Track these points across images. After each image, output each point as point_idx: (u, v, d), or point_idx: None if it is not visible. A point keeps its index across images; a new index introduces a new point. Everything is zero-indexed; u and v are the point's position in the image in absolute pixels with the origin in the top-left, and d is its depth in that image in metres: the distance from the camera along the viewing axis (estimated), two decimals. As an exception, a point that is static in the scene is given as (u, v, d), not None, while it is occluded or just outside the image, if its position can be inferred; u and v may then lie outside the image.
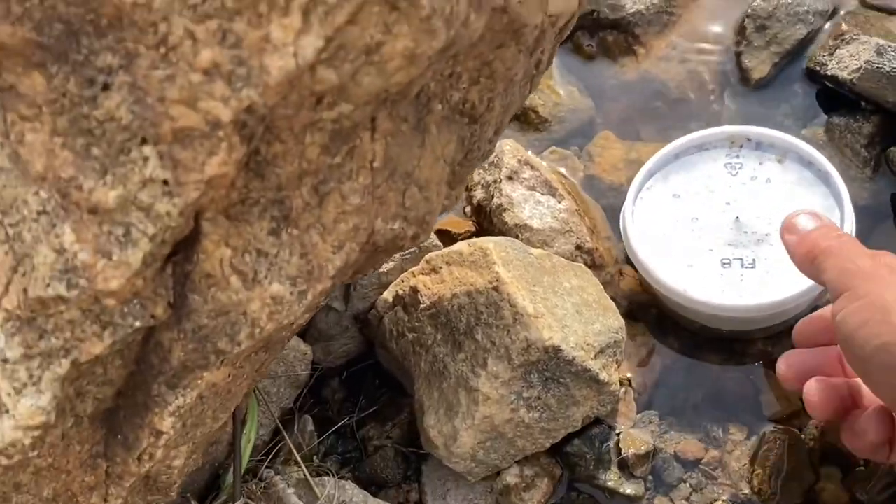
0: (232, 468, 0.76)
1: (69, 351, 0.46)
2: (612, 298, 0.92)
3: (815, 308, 0.87)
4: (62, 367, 0.47)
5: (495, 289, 0.79)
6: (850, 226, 0.85)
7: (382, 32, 0.39)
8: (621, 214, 0.92)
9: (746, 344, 0.90)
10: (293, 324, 0.52)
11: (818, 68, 1.00)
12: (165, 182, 0.41)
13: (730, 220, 0.88)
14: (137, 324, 0.46)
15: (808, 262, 0.71)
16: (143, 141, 0.41)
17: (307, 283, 0.48)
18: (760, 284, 0.84)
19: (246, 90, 0.38)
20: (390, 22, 0.39)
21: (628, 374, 0.89)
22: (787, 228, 0.75)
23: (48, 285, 0.44)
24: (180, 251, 0.46)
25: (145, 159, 0.41)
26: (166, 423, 0.54)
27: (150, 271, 0.45)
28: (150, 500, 0.65)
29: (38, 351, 0.46)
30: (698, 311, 0.86)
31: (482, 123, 0.54)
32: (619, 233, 0.93)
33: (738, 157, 0.92)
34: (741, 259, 0.86)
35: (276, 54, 0.37)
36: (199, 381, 0.52)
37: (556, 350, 0.77)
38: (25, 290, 0.44)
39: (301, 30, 0.37)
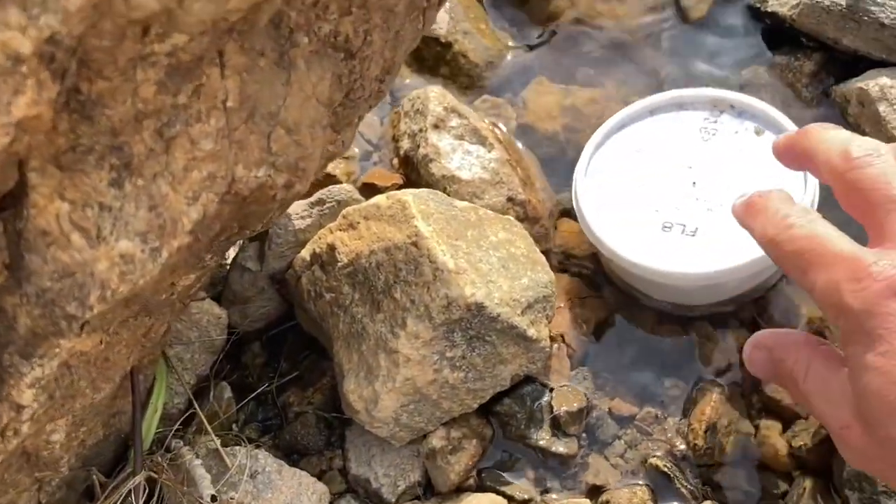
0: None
1: None
2: (546, 252, 0.88)
3: (756, 287, 0.84)
4: None
5: (414, 244, 0.74)
6: (812, 195, 0.80)
7: (204, -53, 0.34)
8: (579, 161, 0.86)
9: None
10: (157, 284, 0.47)
11: (759, 5, 0.95)
12: (-31, 128, 0.36)
13: (686, 183, 0.83)
14: (-31, 288, 0.42)
15: (794, 259, 0.56)
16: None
17: (160, 240, 0.44)
18: (696, 255, 0.79)
19: (44, 17, 0.33)
20: (210, -64, 0.34)
21: (561, 331, 0.85)
22: (752, 206, 0.64)
23: None
24: (8, 206, 0.41)
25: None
26: (26, 396, 0.49)
27: (-27, 230, 0.40)
28: (38, 477, 0.61)
29: None
30: (628, 271, 0.82)
31: (361, 59, 0.49)
32: (554, 184, 0.89)
33: (715, 122, 0.86)
34: (683, 225, 0.81)
35: (74, -26, 0.32)
36: (57, 350, 0.47)
37: (480, 307, 0.73)
38: None
39: (99, -57, 0.32)
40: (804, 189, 0.80)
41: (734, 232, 0.79)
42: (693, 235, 0.81)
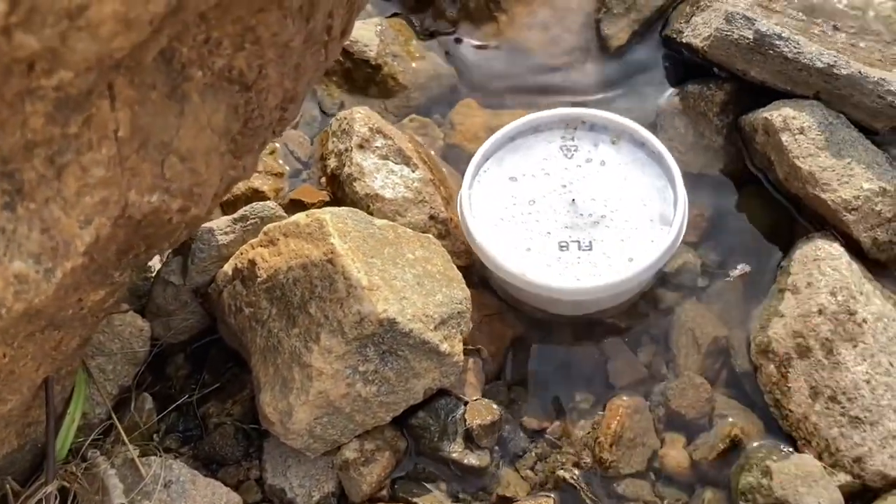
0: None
1: None
2: (467, 268, 0.91)
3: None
4: None
5: (330, 261, 0.77)
6: (682, 205, 0.85)
7: (82, -6, 0.37)
8: (458, 199, 0.90)
9: (596, 315, 0.90)
10: (57, 302, 0.49)
11: (675, 36, 1.00)
12: None
13: (566, 202, 0.87)
14: None
15: None
16: None
17: (53, 261, 0.46)
18: (597, 266, 0.84)
19: (-73, 54, 0.36)
20: (89, -17, 0.36)
21: (477, 344, 0.88)
22: None
23: None
24: None
25: None
26: (-74, 409, 0.51)
27: None
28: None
29: None
30: (538, 294, 0.86)
31: (258, 91, 0.52)
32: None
33: (573, 139, 0.91)
34: (578, 241, 0.85)
35: (-46, 16, 0.35)
36: (-44, 364, 0.49)
37: (392, 322, 0.76)
38: None
39: (-22, -10, 0.34)
40: (671, 185, 0.86)
41: (624, 239, 0.84)
42: (590, 249, 0.85)
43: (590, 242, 0.85)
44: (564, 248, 0.85)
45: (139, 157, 0.46)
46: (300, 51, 0.53)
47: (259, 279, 0.81)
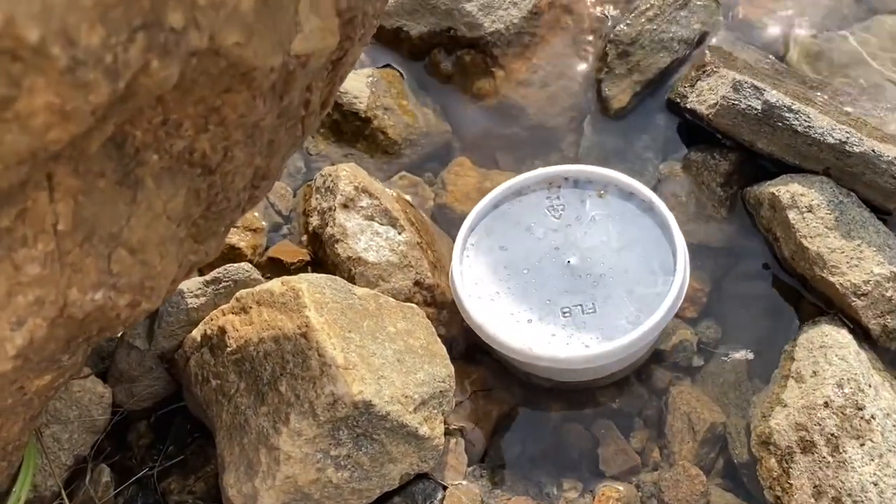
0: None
1: None
2: (451, 339, 0.86)
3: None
4: None
5: (304, 335, 0.72)
6: (682, 252, 0.81)
7: (8, 86, 0.32)
8: (450, 275, 0.85)
9: (587, 393, 0.85)
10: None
11: (679, 100, 0.95)
12: None
13: (562, 265, 0.83)
14: None
15: None
16: None
17: (-22, 366, 0.41)
18: (605, 329, 0.79)
19: None
20: (15, 74, 0.32)
21: (460, 424, 0.83)
22: None
23: None
24: None
25: None
26: None
27: None
28: None
29: None
30: (549, 367, 0.81)
31: (222, 174, 0.47)
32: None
33: (558, 198, 0.87)
34: (581, 305, 0.81)
35: None
36: None
37: (368, 405, 0.70)
38: None
39: None
40: (666, 233, 0.82)
41: (628, 294, 0.79)
42: (594, 311, 0.80)
43: (593, 304, 0.80)
44: (568, 315, 0.80)
45: (82, 252, 0.41)
46: (273, 128, 0.48)
47: (228, 349, 0.75)
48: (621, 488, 0.80)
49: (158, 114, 0.42)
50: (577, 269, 0.82)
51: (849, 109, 0.92)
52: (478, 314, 0.81)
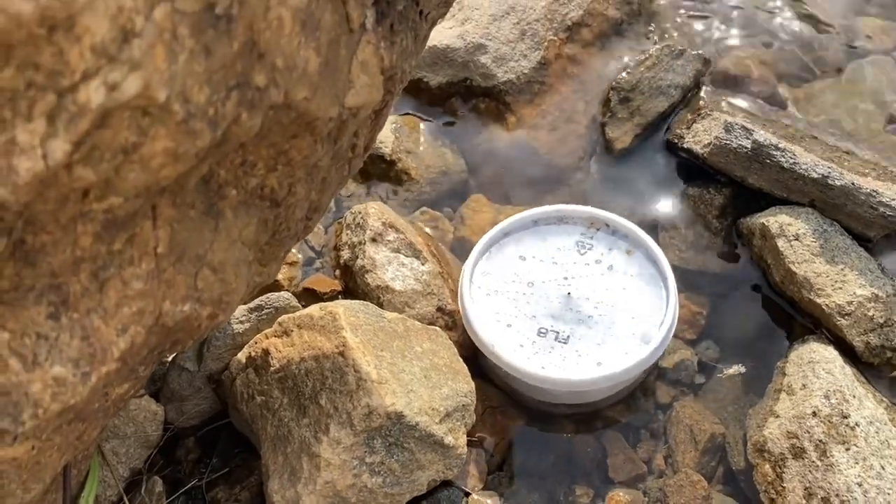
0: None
1: None
2: (473, 358, 0.94)
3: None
4: None
5: (341, 354, 0.80)
6: (667, 329, 0.87)
7: (137, 135, 0.41)
8: (466, 264, 0.94)
9: (597, 409, 0.92)
10: (88, 400, 0.52)
11: (676, 140, 1.04)
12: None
13: (562, 294, 0.91)
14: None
15: None
16: None
17: (90, 366, 0.49)
18: (566, 360, 0.87)
19: (-5, 188, 0.39)
20: (144, 125, 0.40)
21: (480, 435, 0.90)
22: None
23: None
24: (-46, 335, 0.46)
25: None
26: (-42, 499, 0.53)
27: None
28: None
29: None
30: (502, 370, 0.89)
31: (286, 206, 0.56)
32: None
33: (591, 238, 0.95)
34: (557, 332, 0.89)
35: (24, 156, 0.39)
36: (-9, 458, 0.52)
37: (399, 416, 0.78)
38: None
39: (47, 133, 0.38)
40: (665, 306, 0.89)
41: (600, 343, 0.87)
42: (565, 343, 0.88)
43: (567, 337, 0.88)
44: (543, 335, 0.88)
45: (175, 270, 0.50)
46: (327, 168, 0.57)
47: (272, 369, 0.84)
48: (629, 493, 0.87)
49: (239, 156, 0.50)
50: (571, 302, 0.90)
51: (833, 143, 1.00)
52: (468, 301, 0.90)
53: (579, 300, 0.90)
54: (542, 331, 0.88)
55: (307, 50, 0.48)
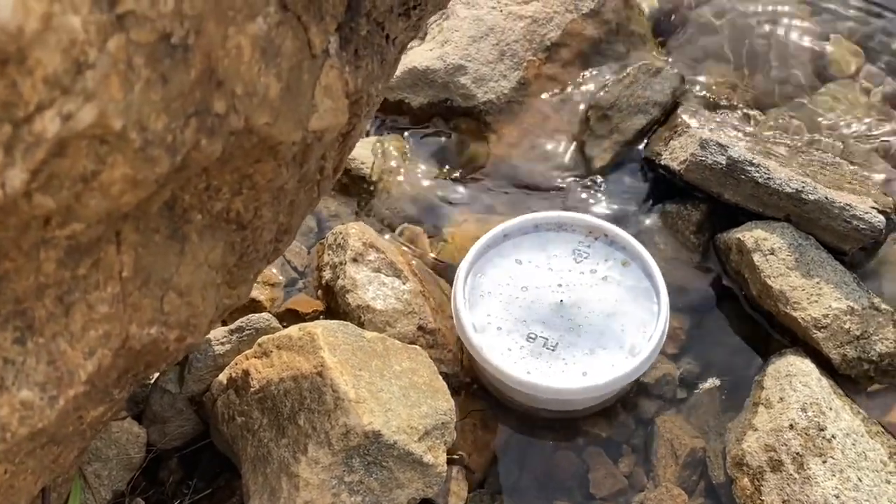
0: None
1: None
2: (454, 376, 0.95)
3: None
4: None
5: (319, 374, 0.81)
6: (656, 343, 0.87)
7: (95, 163, 0.42)
8: (463, 260, 0.94)
9: (577, 423, 0.93)
10: (58, 424, 0.53)
11: (654, 157, 1.06)
12: None
13: (554, 300, 0.91)
14: None
15: None
16: None
17: (57, 389, 0.50)
18: (552, 367, 0.88)
19: (-46, 219, 0.40)
20: (102, 153, 0.41)
21: (461, 453, 0.91)
22: None
23: None
24: (-80, 361, 0.47)
25: None
26: (-70, 524, 0.54)
27: None
28: None
29: None
30: (487, 371, 0.90)
31: (253, 229, 0.56)
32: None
33: (588, 247, 0.95)
34: (546, 339, 0.89)
35: (-18, 185, 0.40)
36: (-39, 482, 0.52)
37: (377, 435, 0.79)
38: None
39: (4, 163, 0.39)
40: (656, 320, 0.89)
41: (588, 353, 0.87)
42: (553, 350, 0.88)
43: (556, 344, 0.88)
44: (532, 340, 0.89)
45: (140, 294, 0.51)
46: (294, 190, 0.58)
47: (252, 389, 0.84)
48: (610, 510, 0.87)
49: (202, 181, 0.51)
50: (563, 310, 0.91)
51: (807, 158, 1.01)
52: (460, 297, 0.91)
53: (571, 308, 0.91)
54: (532, 336, 0.89)
55: (267, 76, 0.49)
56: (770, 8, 1.25)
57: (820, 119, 1.10)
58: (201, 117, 0.46)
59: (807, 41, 1.20)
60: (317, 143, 0.56)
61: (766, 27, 1.23)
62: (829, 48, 1.20)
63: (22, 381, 0.49)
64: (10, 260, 0.45)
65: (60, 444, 0.63)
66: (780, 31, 1.21)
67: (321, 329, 0.84)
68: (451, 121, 1.13)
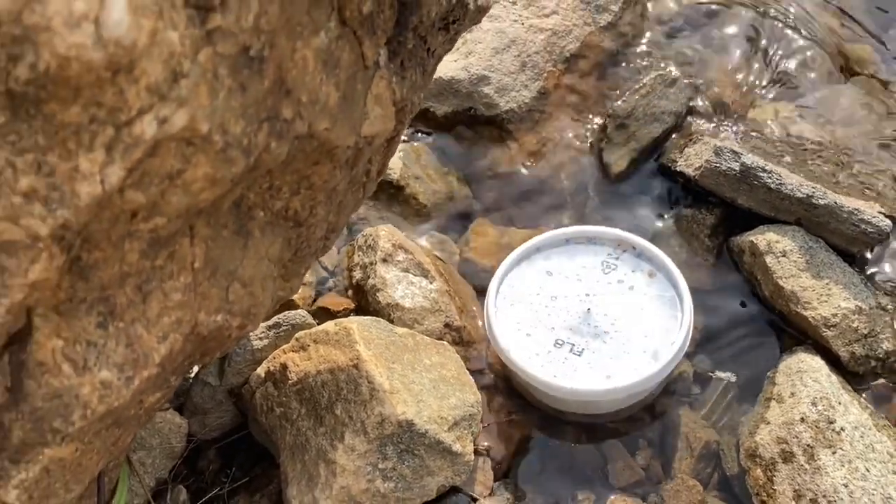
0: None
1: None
2: (480, 371, 0.99)
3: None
4: None
5: (355, 366, 0.85)
6: (678, 349, 0.91)
7: (182, 162, 0.46)
8: (498, 271, 0.99)
9: (596, 418, 0.97)
10: (128, 404, 0.57)
11: (670, 164, 1.10)
12: (-5, 284, 0.47)
13: (581, 309, 0.96)
14: (-22, 406, 0.52)
15: None
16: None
17: (133, 370, 0.54)
18: (577, 371, 0.92)
19: (60, 210, 0.45)
20: (188, 154, 0.46)
21: (487, 444, 0.95)
22: None
23: None
24: (16, 342, 0.52)
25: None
26: (11, 496, 0.59)
27: (-14, 360, 0.50)
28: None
29: None
30: (517, 375, 0.94)
31: (308, 226, 0.61)
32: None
33: (617, 259, 1.00)
34: (573, 345, 0.94)
35: (85, 182, 0.44)
36: (41, 457, 0.57)
37: (410, 424, 0.83)
38: None
39: (105, 162, 0.44)
40: (679, 327, 0.93)
41: (612, 358, 0.91)
42: (579, 356, 0.93)
43: (582, 350, 0.93)
44: (559, 346, 0.93)
45: (209, 284, 0.56)
46: (344, 191, 0.63)
47: (290, 381, 0.89)
48: (629, 499, 0.92)
49: (266, 181, 0.56)
50: (590, 318, 0.95)
51: (818, 164, 1.06)
52: (492, 306, 0.96)
53: (597, 316, 0.95)
54: (559, 342, 0.94)
55: (328, 86, 0.54)
56: (782, 12, 1.30)
57: (827, 123, 1.14)
58: (272, 122, 0.50)
59: (816, 47, 1.25)
60: (367, 147, 0.61)
61: (777, 32, 1.27)
62: (839, 51, 1.24)
63: (103, 362, 0.54)
64: (100, 250, 0.49)
65: (122, 426, 0.68)
66: (791, 37, 1.26)
67: (356, 324, 0.89)
68: (474, 128, 1.18)
